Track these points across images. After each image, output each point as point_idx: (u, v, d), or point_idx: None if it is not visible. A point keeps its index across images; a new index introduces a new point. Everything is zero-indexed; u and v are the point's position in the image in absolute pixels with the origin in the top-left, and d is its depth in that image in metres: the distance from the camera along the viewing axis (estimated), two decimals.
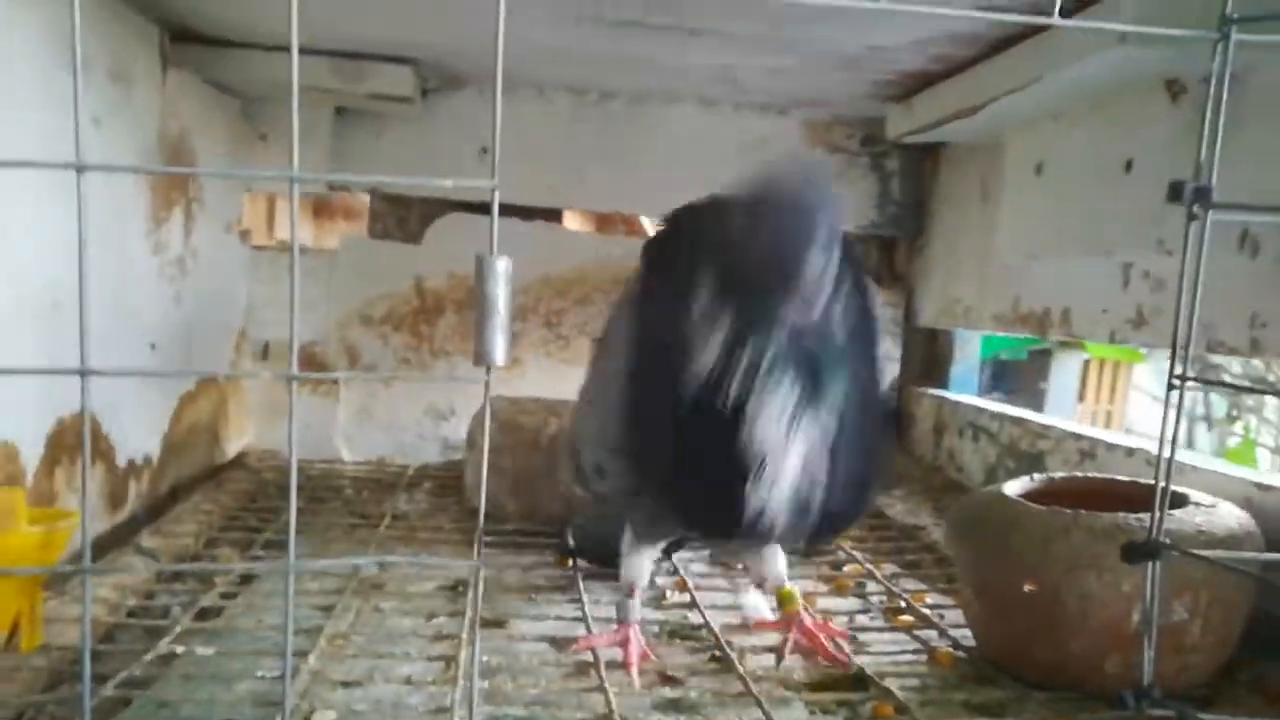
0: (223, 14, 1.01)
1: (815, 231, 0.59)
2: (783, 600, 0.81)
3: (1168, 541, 0.57)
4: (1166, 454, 0.56)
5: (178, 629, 0.74)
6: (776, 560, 0.82)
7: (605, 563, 0.95)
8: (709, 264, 0.62)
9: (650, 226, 2.24)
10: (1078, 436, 1.05)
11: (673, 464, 0.65)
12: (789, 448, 0.61)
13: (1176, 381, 0.58)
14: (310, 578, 0.91)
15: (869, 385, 0.66)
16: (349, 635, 0.78)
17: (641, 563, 0.80)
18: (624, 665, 0.74)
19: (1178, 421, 0.58)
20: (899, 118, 1.25)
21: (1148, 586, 0.59)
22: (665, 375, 0.63)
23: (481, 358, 0.47)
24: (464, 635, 0.77)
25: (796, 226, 0.59)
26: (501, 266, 0.48)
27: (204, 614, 0.81)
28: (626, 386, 0.69)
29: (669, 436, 0.64)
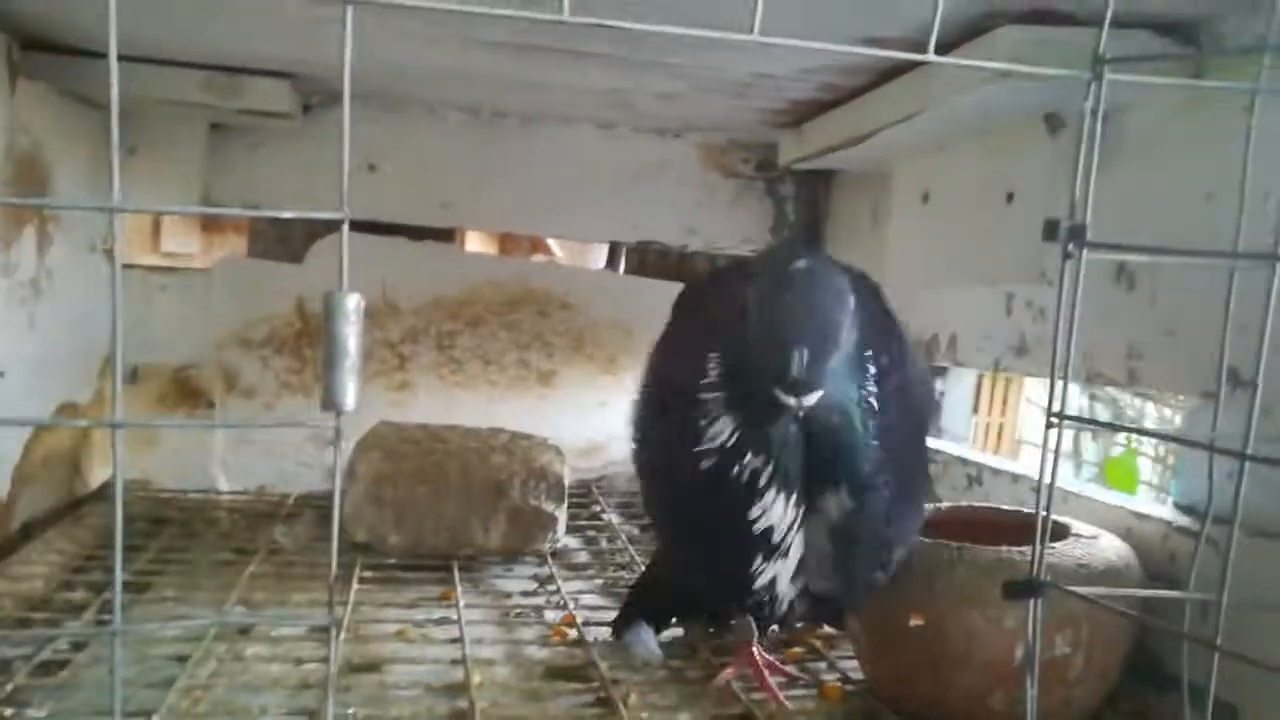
0: (75, 22, 0.94)
1: (828, 315, 0.59)
2: None
3: (1048, 579, 0.57)
4: (1045, 493, 0.56)
5: (9, 687, 0.68)
6: None
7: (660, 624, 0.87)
8: (723, 343, 0.63)
9: (557, 248, 2.22)
10: (964, 461, 1.06)
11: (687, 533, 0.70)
12: (793, 534, 0.63)
13: (1055, 420, 0.57)
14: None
15: (904, 453, 0.66)
16: (208, 686, 0.73)
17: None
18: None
19: (1056, 460, 0.58)
20: (790, 145, 1.25)
21: (1029, 624, 0.58)
22: (679, 447, 0.64)
23: (330, 403, 0.44)
24: (329, 686, 0.73)
25: (809, 311, 0.59)
26: (352, 303, 0.44)
27: (46, 668, 0.74)
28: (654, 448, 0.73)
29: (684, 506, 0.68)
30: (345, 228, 0.47)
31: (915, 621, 0.69)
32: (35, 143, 1.01)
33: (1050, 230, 0.55)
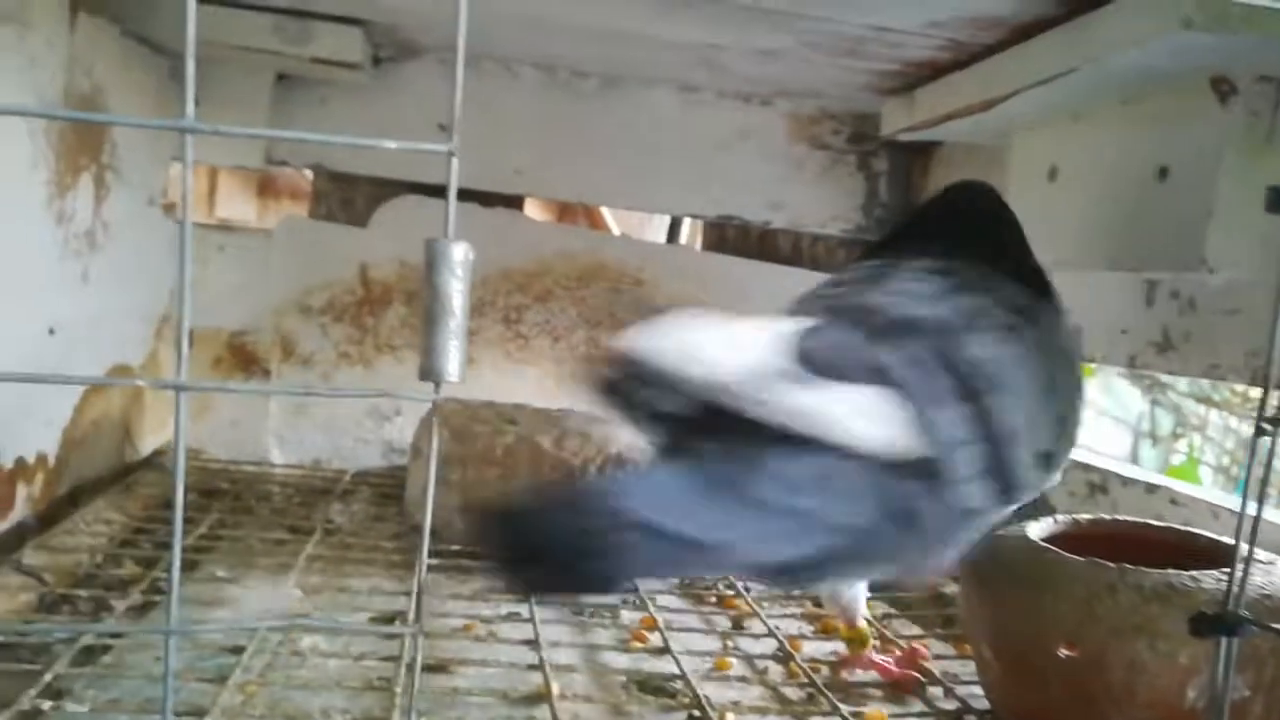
0: None
1: None
2: (852, 641, 0.77)
3: (1248, 615, 0.48)
4: (1251, 512, 0.47)
5: (47, 677, 0.61)
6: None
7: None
8: None
9: (612, 220, 2.13)
10: (1086, 467, 0.96)
11: None
12: None
13: (1268, 426, 0.48)
14: (220, 608, 0.79)
15: None
16: (263, 683, 0.66)
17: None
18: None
19: (1266, 473, 0.49)
20: (896, 112, 1.15)
21: (1219, 665, 0.49)
22: None
23: (430, 372, 0.36)
24: (398, 689, 0.66)
25: None
26: (460, 254, 0.36)
27: (89, 653, 0.68)
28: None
29: None
30: (453, 161, 0.39)
31: (1066, 652, 0.60)
32: (96, 86, 0.94)
33: (1276, 199, 0.46)
